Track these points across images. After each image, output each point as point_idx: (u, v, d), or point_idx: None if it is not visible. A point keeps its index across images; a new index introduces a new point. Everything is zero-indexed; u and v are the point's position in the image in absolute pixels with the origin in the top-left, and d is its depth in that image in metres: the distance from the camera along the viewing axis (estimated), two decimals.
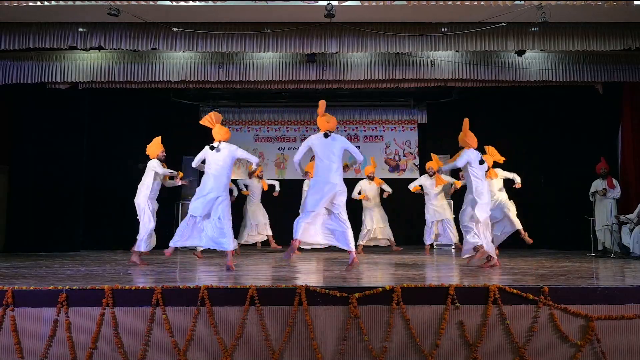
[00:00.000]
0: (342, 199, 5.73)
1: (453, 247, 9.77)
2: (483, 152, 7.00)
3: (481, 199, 6.16)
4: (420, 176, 10.70)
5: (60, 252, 8.96)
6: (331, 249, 9.64)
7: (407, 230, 11.40)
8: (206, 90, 10.33)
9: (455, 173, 8.53)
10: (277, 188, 9.45)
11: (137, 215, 7.08)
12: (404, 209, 11.05)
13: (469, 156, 6.21)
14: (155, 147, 7.23)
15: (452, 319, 4.13)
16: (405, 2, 6.77)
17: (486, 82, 9.04)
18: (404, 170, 11.74)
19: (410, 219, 10.82)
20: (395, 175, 11.65)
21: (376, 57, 8.61)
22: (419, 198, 9.37)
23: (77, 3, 6.78)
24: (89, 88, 9.47)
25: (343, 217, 5.72)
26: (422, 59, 8.62)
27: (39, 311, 4.13)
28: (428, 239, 9.12)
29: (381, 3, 6.81)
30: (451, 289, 4.16)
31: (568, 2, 6.70)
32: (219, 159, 6.03)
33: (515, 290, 4.17)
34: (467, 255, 6.36)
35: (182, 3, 6.79)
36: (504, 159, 7.61)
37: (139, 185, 7.11)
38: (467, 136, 6.32)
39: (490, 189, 7.03)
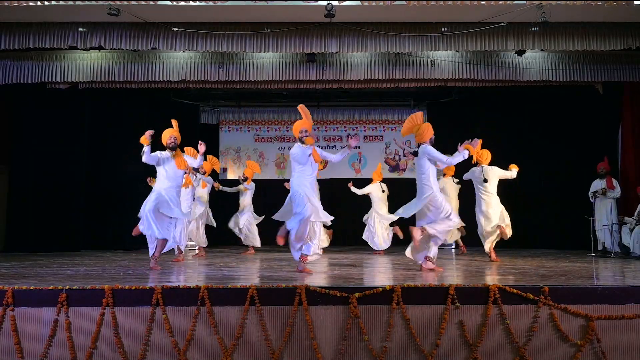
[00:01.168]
0: None
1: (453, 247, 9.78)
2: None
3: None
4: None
5: (60, 252, 8.95)
6: (330, 249, 9.64)
7: (406, 230, 11.39)
8: (206, 90, 10.33)
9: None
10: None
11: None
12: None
13: None
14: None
15: (452, 319, 4.13)
16: (405, 2, 6.77)
17: (486, 82, 9.04)
18: (404, 170, 11.74)
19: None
20: (395, 175, 11.66)
21: (376, 57, 8.61)
22: None
23: (77, 3, 6.78)
24: (89, 88, 9.47)
25: None
26: (422, 59, 8.62)
27: (39, 311, 4.13)
28: None
29: (381, 3, 6.81)
30: (451, 289, 4.16)
31: (568, 2, 6.70)
32: None
33: (515, 290, 4.17)
34: None
35: (182, 3, 6.79)
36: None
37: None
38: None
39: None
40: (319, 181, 10.26)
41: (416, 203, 5.79)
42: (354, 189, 9.16)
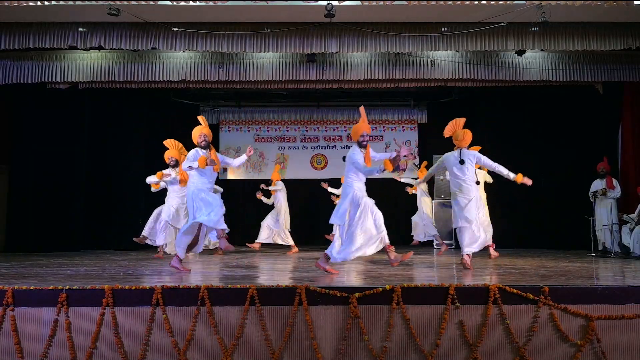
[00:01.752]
0: None
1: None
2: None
3: None
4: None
5: (60, 252, 8.96)
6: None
7: (406, 230, 11.40)
8: (206, 90, 10.33)
9: None
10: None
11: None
12: (403, 208, 11.05)
13: None
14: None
15: (452, 319, 4.13)
16: (405, 2, 6.77)
17: (486, 82, 9.04)
18: (404, 170, 11.70)
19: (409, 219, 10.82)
20: (395, 175, 11.65)
21: (376, 57, 8.61)
22: (416, 198, 9.43)
23: (77, 3, 6.78)
24: (89, 88, 9.47)
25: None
26: (422, 59, 8.62)
27: (39, 311, 4.13)
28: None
29: (381, 3, 6.81)
30: (451, 289, 4.16)
31: (568, 2, 6.70)
32: None
33: (515, 290, 4.17)
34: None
35: (182, 3, 6.78)
36: None
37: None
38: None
39: None
40: (321, 181, 10.32)
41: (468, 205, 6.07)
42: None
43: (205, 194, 5.77)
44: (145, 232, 8.10)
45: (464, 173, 6.13)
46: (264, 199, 9.50)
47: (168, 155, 7.72)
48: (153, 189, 8.25)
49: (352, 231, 5.43)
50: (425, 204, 9.57)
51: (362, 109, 5.83)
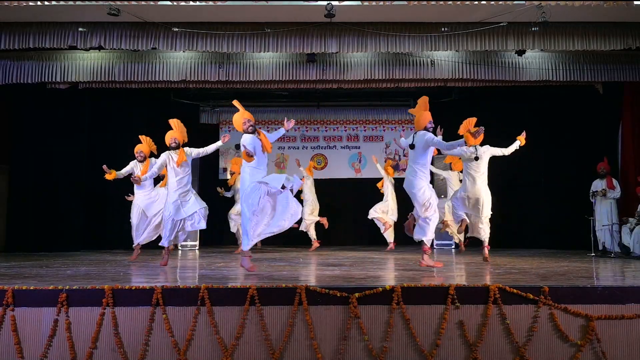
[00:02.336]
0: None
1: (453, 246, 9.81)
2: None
3: None
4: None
5: (60, 252, 8.96)
6: (331, 248, 9.65)
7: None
8: (206, 90, 10.34)
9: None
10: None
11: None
12: (404, 208, 11.03)
13: None
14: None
15: (452, 318, 4.13)
16: (405, 2, 6.77)
17: (486, 82, 9.05)
18: (404, 170, 11.74)
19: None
20: (395, 175, 11.65)
21: (376, 57, 8.62)
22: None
23: (77, 3, 6.78)
24: (89, 88, 9.47)
25: None
26: (422, 59, 8.62)
27: (39, 311, 4.12)
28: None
29: (381, 3, 6.82)
30: (451, 289, 4.16)
31: (568, 2, 6.70)
32: None
33: (515, 290, 4.17)
34: None
35: (182, 3, 6.79)
36: None
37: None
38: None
39: None
40: (321, 181, 10.32)
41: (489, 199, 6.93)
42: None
43: (264, 189, 5.40)
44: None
45: (479, 168, 6.86)
46: (227, 194, 9.75)
47: (139, 149, 7.33)
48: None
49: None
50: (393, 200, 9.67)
51: (425, 98, 6.27)
